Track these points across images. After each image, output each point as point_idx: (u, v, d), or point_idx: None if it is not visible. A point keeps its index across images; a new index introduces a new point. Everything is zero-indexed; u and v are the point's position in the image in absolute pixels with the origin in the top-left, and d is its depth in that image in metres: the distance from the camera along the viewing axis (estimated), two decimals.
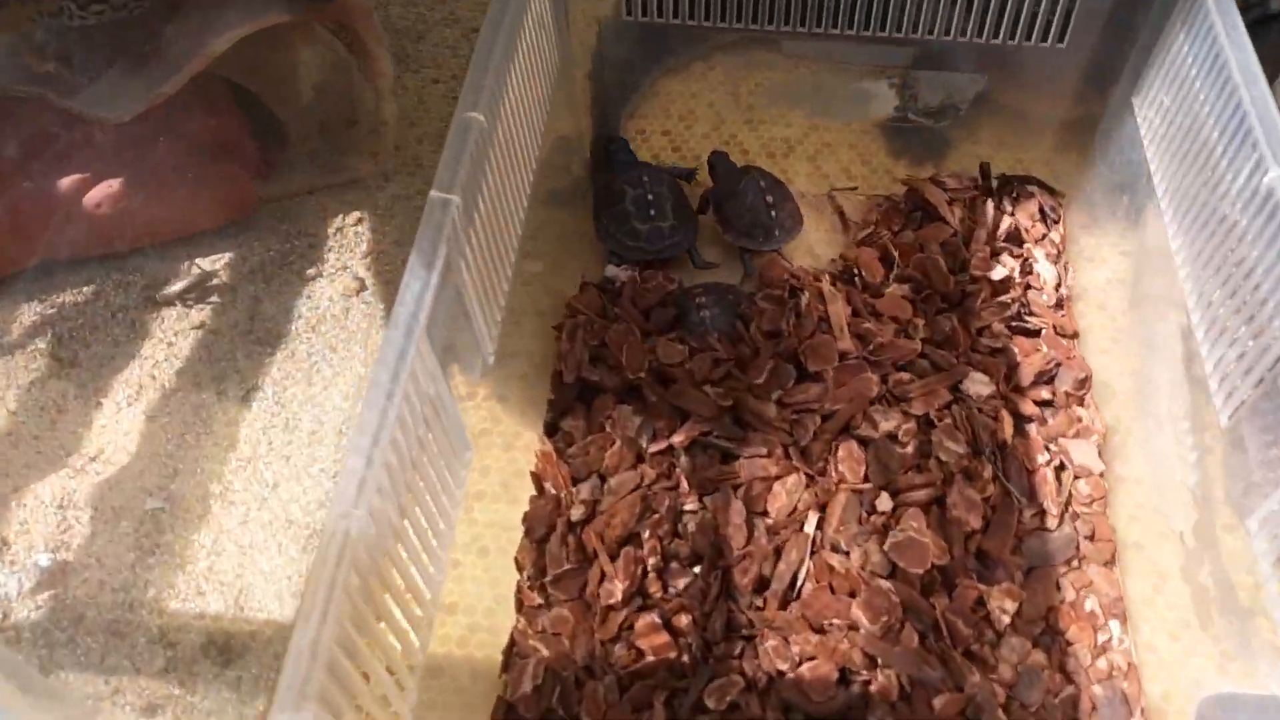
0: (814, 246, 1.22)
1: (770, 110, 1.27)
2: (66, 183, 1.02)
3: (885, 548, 0.93)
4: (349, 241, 1.13)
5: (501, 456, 1.02)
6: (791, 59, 1.17)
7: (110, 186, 1.02)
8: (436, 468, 0.74)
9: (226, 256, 1.12)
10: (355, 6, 1.01)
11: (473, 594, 0.94)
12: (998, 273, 1.12)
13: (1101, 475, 1.03)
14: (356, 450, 0.64)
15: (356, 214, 1.16)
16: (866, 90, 1.20)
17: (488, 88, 0.85)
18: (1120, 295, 1.18)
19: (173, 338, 1.06)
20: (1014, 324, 1.11)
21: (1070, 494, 1.01)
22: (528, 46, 0.96)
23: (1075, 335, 1.12)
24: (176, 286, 1.07)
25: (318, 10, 1.00)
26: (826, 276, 1.11)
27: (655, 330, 1.07)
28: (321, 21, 1.02)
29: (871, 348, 1.05)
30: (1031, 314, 1.12)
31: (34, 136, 1.04)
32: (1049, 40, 1.13)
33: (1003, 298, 1.11)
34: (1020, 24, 1.11)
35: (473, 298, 0.82)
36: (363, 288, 1.09)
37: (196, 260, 1.11)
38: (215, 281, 1.09)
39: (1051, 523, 0.99)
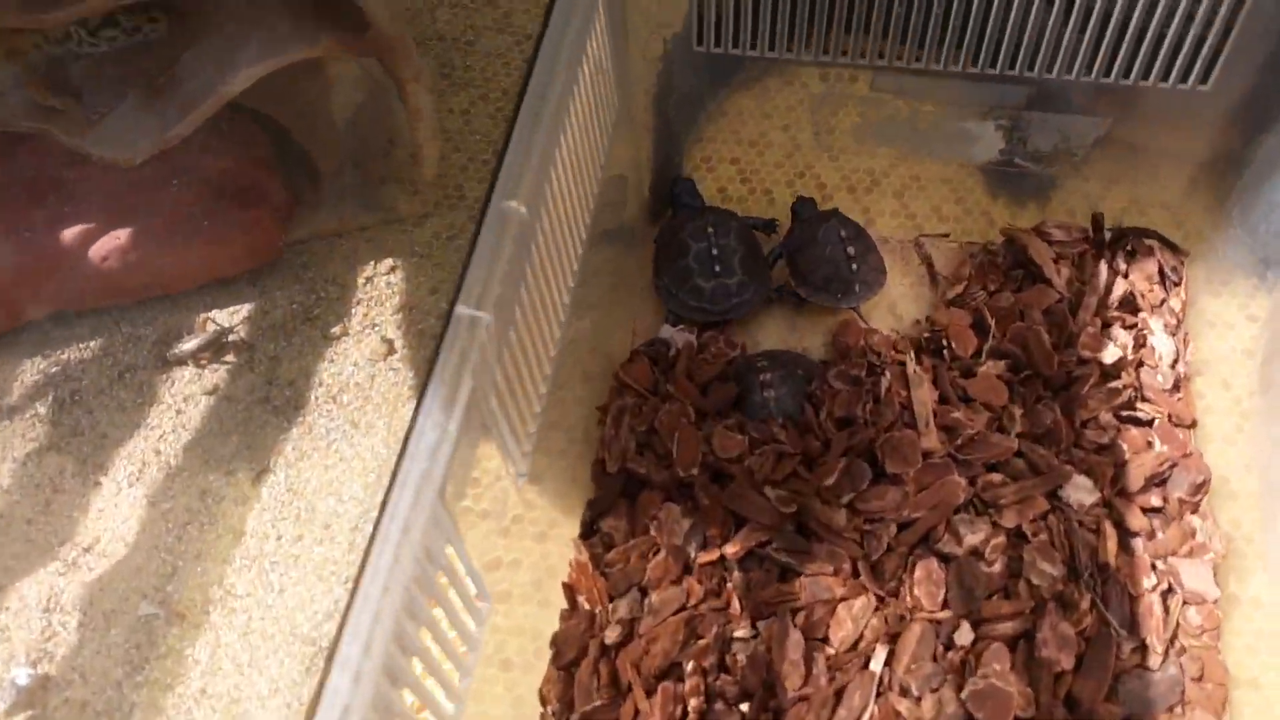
0: (897, 303, 1.08)
1: (853, 142, 1.11)
2: (70, 233, 0.91)
3: (962, 695, 0.79)
4: (379, 293, 1.00)
5: (534, 549, 0.91)
6: (884, 94, 1.00)
7: (117, 239, 0.91)
8: (446, 646, 0.62)
9: (245, 309, 1.00)
10: (388, 40, 0.86)
11: (493, 717, 0.83)
12: (1109, 353, 0.97)
13: (1216, 603, 0.88)
14: (343, 665, 0.52)
15: (389, 260, 1.04)
16: (969, 130, 1.05)
17: (532, 166, 0.72)
18: (1248, 372, 1.02)
19: (182, 404, 0.95)
20: (1124, 413, 0.96)
21: (1178, 624, 0.86)
22: (583, 98, 0.84)
23: (1193, 425, 0.97)
24: (190, 344, 0.96)
25: (345, 45, 0.86)
26: (911, 353, 0.97)
27: (711, 412, 0.95)
28: (351, 54, 0.88)
29: (960, 442, 0.92)
30: (1144, 399, 0.98)
31: (37, 179, 0.92)
32: (1189, 81, 0.95)
33: (1114, 383, 0.96)
34: (1157, 62, 0.94)
35: (503, 422, 0.70)
36: (391, 351, 0.97)
37: (213, 314, 0.99)
38: (231, 338, 0.98)
39: (1154, 660, 0.85)
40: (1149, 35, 0.92)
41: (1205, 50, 0.92)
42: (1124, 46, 0.93)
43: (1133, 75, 0.95)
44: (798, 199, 1.09)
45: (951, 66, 0.95)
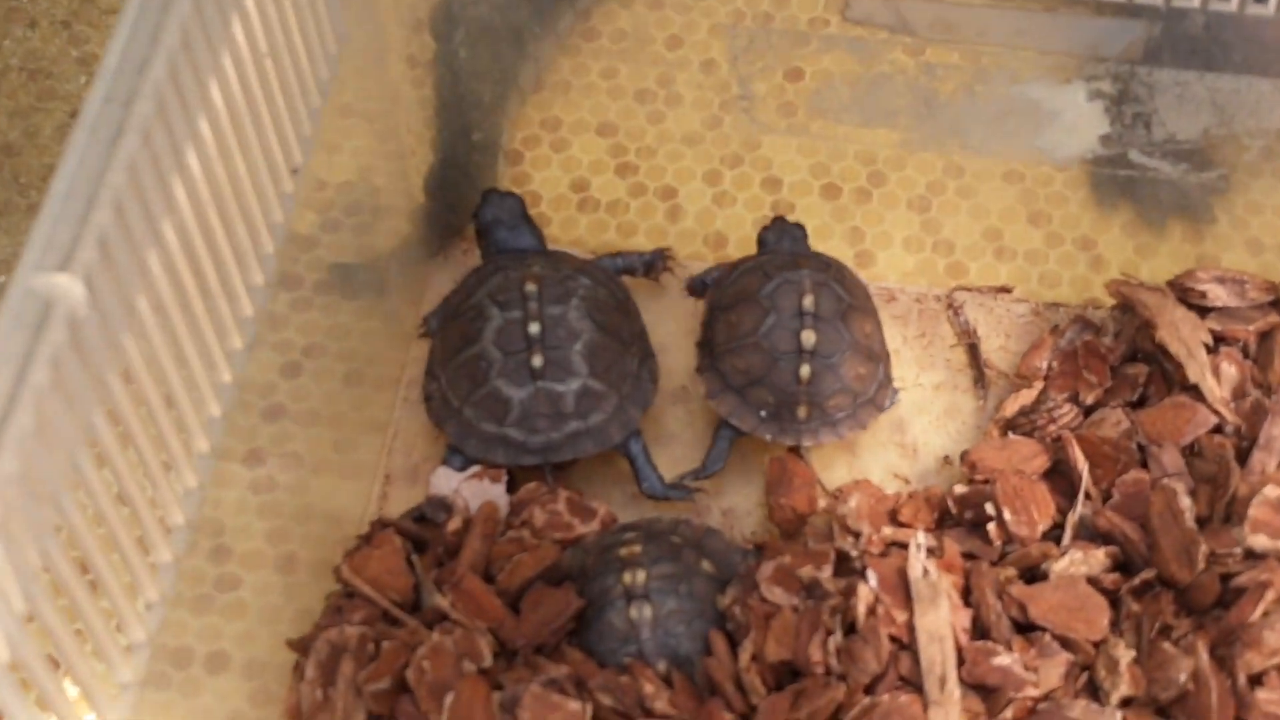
0: (906, 420, 1.11)
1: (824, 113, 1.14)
2: None
3: None
4: None
5: None
6: (868, 30, 1.00)
7: None
8: None
9: None
10: None
11: None
12: None
13: None
14: None
15: None
16: (1036, 101, 1.10)
17: (108, 192, 0.67)
18: None
19: None
20: None
21: None
22: (246, 45, 0.82)
23: None
24: None
25: None
26: (920, 532, 0.97)
27: (527, 648, 0.96)
28: None
29: (1010, 716, 0.93)
30: None
31: None
32: None
33: None
34: None
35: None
36: None
37: None
38: None
39: None
40: None
41: None
42: None
43: None
44: (776, 219, 1.12)
45: None
